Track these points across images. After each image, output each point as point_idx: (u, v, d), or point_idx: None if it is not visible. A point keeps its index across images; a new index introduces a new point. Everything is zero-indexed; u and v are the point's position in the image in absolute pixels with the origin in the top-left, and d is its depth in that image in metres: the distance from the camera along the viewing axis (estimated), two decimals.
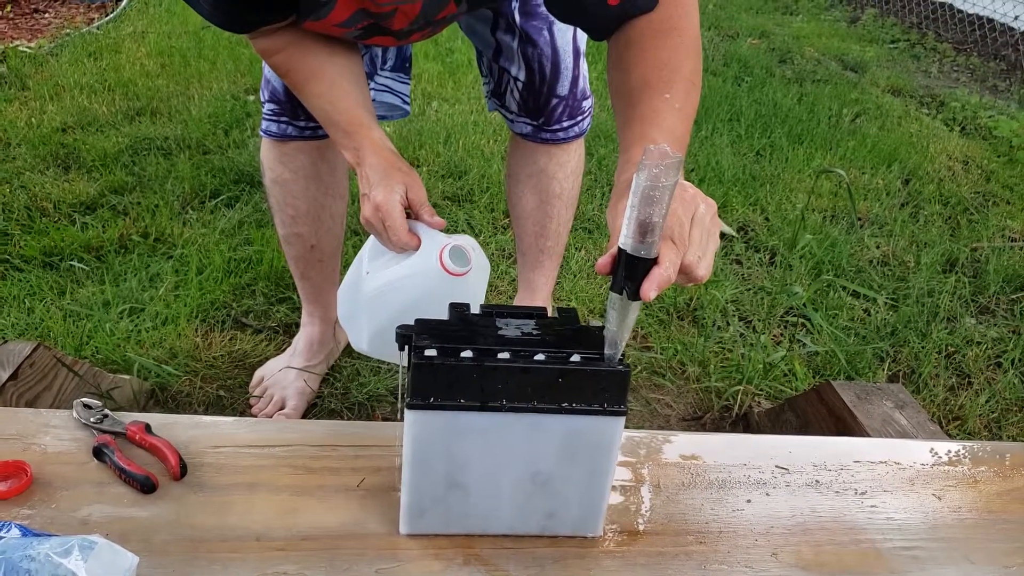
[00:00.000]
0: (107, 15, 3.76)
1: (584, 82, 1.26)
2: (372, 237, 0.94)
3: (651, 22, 0.82)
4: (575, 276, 1.83)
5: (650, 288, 0.62)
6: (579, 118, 1.29)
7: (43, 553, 0.53)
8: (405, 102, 1.26)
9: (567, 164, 1.35)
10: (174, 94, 2.78)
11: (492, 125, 2.67)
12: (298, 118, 1.17)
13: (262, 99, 1.21)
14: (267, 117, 1.20)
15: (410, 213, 0.90)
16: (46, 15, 3.84)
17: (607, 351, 0.65)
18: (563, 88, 1.22)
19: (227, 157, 2.28)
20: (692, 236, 0.65)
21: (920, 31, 4.72)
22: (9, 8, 3.81)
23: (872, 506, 0.82)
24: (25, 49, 3.12)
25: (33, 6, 3.90)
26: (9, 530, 0.58)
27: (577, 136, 1.31)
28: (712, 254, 0.68)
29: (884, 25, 4.86)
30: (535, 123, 1.27)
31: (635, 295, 0.62)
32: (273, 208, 1.30)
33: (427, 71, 3.18)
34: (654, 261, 0.62)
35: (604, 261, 0.64)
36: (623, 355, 0.67)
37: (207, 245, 1.81)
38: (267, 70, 1.17)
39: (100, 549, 0.55)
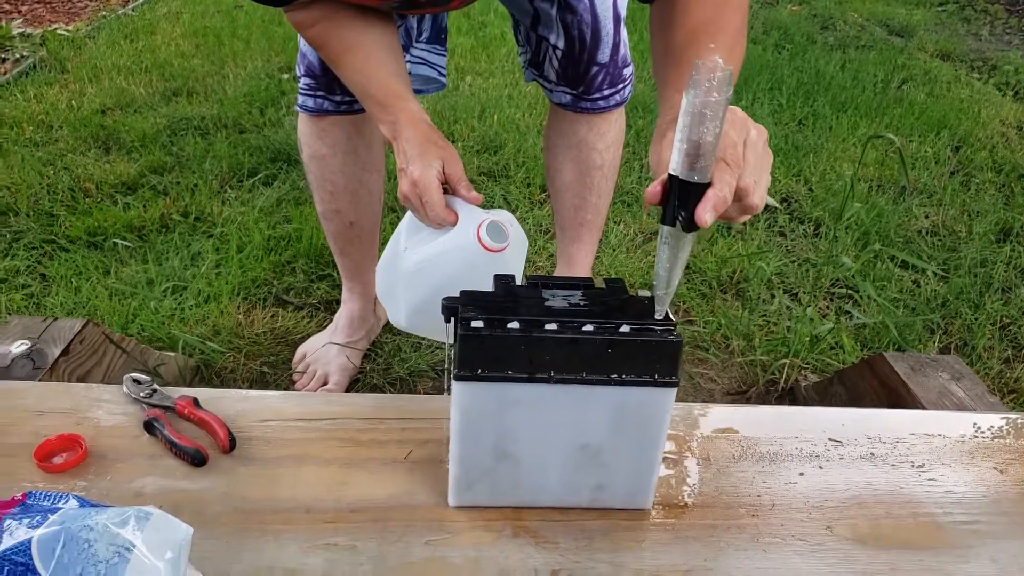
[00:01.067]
0: None
1: (625, 49, 1.23)
2: (409, 213, 0.93)
3: None
4: (615, 250, 1.81)
5: (704, 211, 0.57)
6: (620, 86, 1.26)
7: (101, 523, 0.54)
8: (441, 74, 1.24)
9: (607, 134, 1.32)
10: (209, 74, 2.80)
11: (527, 99, 2.64)
12: (334, 92, 1.17)
13: (297, 74, 1.20)
14: (303, 92, 1.19)
15: (447, 188, 0.89)
16: None
17: (657, 292, 0.62)
18: (604, 55, 1.19)
19: (263, 136, 2.30)
20: (746, 158, 0.61)
21: None
22: None
23: (930, 479, 0.79)
24: (63, 32, 3.17)
25: None
26: (67, 501, 0.58)
27: (618, 105, 1.28)
28: (766, 182, 0.63)
29: None
30: (575, 92, 1.24)
31: (690, 224, 0.59)
32: (311, 184, 1.30)
33: (460, 45, 3.15)
34: (707, 186, 0.58)
35: (654, 189, 0.59)
36: (673, 322, 0.65)
37: (246, 223, 1.82)
38: (303, 44, 1.16)
39: (156, 519, 0.55)
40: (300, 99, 1.21)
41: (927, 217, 2.06)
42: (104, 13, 3.54)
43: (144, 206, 1.90)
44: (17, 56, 2.93)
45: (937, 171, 2.30)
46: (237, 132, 2.35)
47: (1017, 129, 2.66)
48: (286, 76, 2.82)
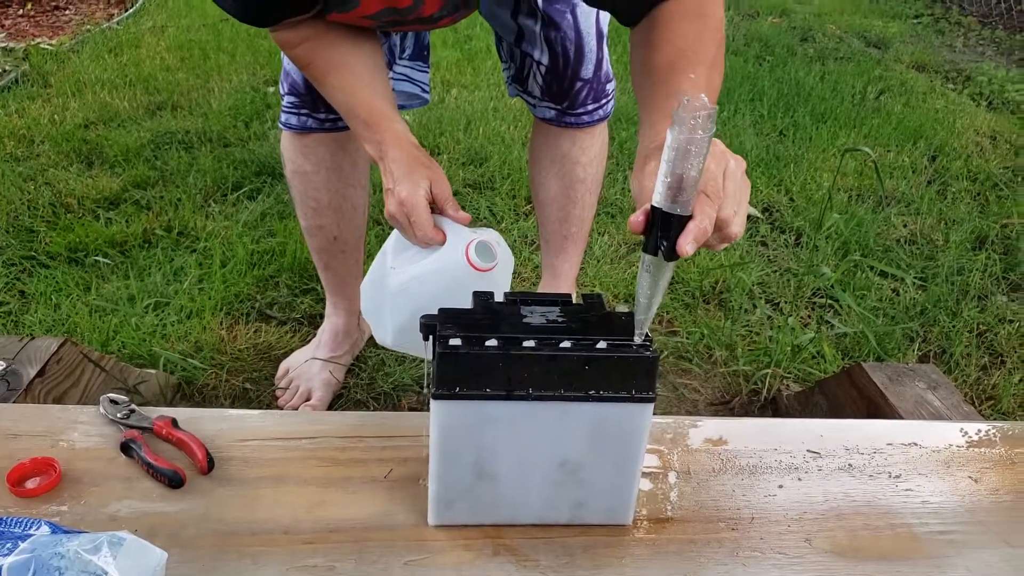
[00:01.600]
0: (126, 10, 3.78)
1: (607, 65, 1.24)
2: (396, 231, 0.94)
3: (680, 5, 0.83)
4: (599, 261, 1.82)
5: (686, 242, 0.60)
6: (603, 101, 1.27)
7: (72, 550, 0.53)
8: (424, 91, 1.24)
9: (590, 148, 1.33)
10: (194, 88, 2.79)
11: (512, 111, 2.65)
12: (318, 110, 1.17)
13: (281, 91, 1.20)
14: (286, 110, 1.20)
15: (434, 207, 0.90)
16: (67, 12, 3.87)
17: (638, 316, 0.64)
18: (587, 71, 1.21)
19: (248, 149, 2.29)
20: (726, 190, 0.64)
21: (944, 5, 4.61)
22: (30, 6, 3.84)
23: (907, 489, 0.80)
24: (47, 46, 3.15)
25: (54, 3, 3.94)
26: (39, 528, 0.58)
27: (601, 119, 1.29)
28: (745, 211, 0.66)
29: (907, 0, 4.75)
30: (559, 107, 1.25)
31: (671, 254, 0.61)
32: (295, 200, 1.30)
33: (445, 59, 3.17)
34: (689, 217, 0.60)
35: (637, 219, 0.62)
36: (650, 339, 0.65)
37: (230, 238, 1.81)
38: (286, 63, 1.16)
39: (129, 545, 0.55)
40: (283, 116, 1.21)
41: (905, 226, 2.08)
42: (88, 27, 3.52)
43: (127, 221, 1.89)
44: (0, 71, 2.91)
45: (914, 180, 2.33)
46: (222, 146, 2.34)
47: (991, 139, 2.70)
48: (271, 89, 2.82)
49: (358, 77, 0.95)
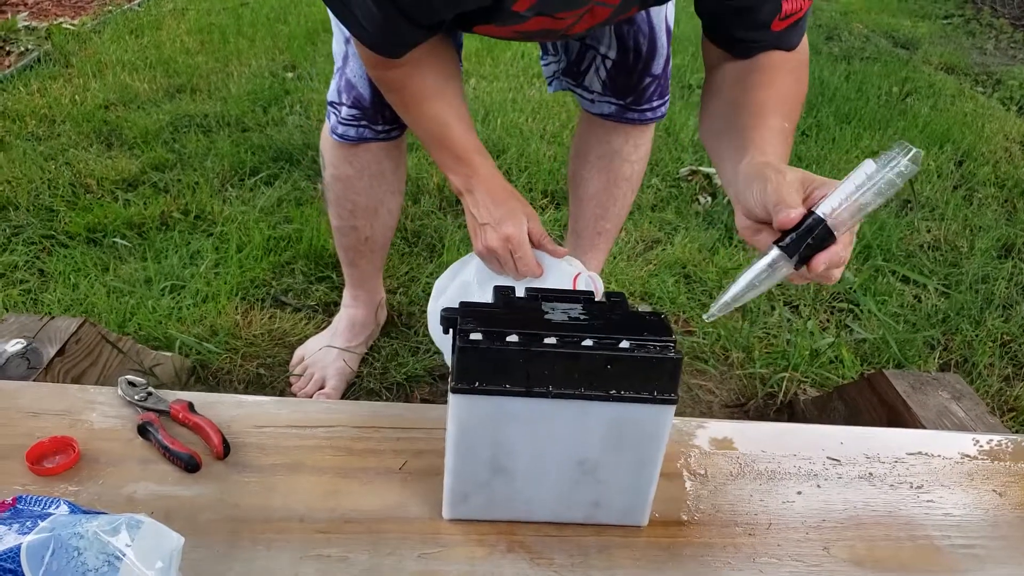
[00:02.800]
0: None
1: (671, 62, 1.23)
2: (476, 262, 0.97)
3: (785, 59, 0.88)
4: (615, 258, 1.80)
5: (823, 261, 0.62)
6: (666, 97, 1.26)
7: (91, 531, 0.53)
8: None
9: (642, 146, 1.32)
10: (213, 71, 2.79)
11: (531, 103, 2.63)
12: (377, 123, 1.14)
13: (334, 100, 1.15)
14: (345, 122, 1.15)
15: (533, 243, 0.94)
16: None
17: (725, 298, 0.65)
18: (658, 67, 1.19)
19: (266, 135, 2.29)
20: (852, 238, 0.67)
21: (975, 6, 4.54)
22: None
23: (929, 501, 0.78)
24: (69, 26, 3.16)
25: None
26: (58, 507, 0.58)
27: (661, 117, 1.28)
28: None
29: (937, 0, 4.68)
30: (622, 102, 1.23)
31: (803, 263, 0.63)
32: (330, 201, 1.28)
33: (465, 47, 3.15)
34: (833, 241, 0.62)
35: (792, 216, 0.62)
36: (674, 339, 0.64)
37: (247, 223, 1.81)
38: (350, 74, 1.12)
39: (147, 528, 0.55)
40: (340, 128, 1.16)
41: (929, 231, 2.05)
42: (110, 8, 3.53)
43: (144, 203, 1.89)
44: (22, 49, 2.92)
45: (940, 185, 2.30)
46: (240, 130, 2.34)
47: (1021, 144, 2.66)
48: (290, 75, 2.82)
49: (450, 107, 0.95)
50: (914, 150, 0.60)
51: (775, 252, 0.63)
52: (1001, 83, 3.29)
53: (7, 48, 2.93)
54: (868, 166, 0.60)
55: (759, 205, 0.66)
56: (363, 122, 1.15)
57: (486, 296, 0.91)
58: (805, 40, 0.92)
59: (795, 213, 0.62)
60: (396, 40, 0.88)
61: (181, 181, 2.00)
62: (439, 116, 0.95)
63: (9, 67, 2.74)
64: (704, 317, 0.68)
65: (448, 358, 0.97)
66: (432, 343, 1.32)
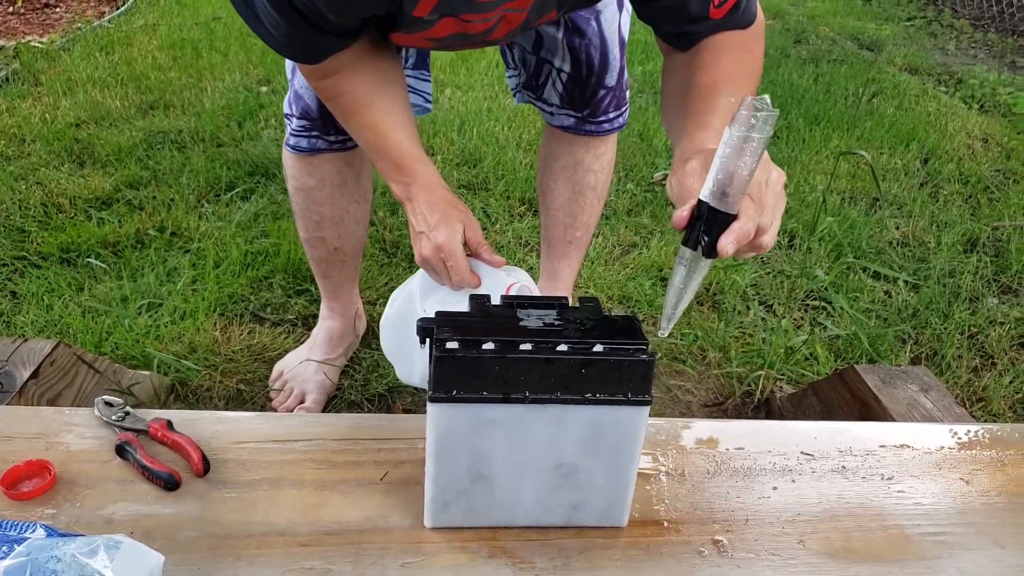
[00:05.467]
0: (118, 8, 3.76)
1: (626, 72, 1.24)
2: (421, 272, 0.95)
3: (730, 37, 0.86)
4: (592, 263, 1.82)
5: (728, 241, 0.61)
6: (623, 109, 1.27)
7: (69, 553, 0.53)
8: (427, 100, 1.24)
9: (604, 155, 1.33)
10: (186, 87, 2.78)
11: (507, 112, 2.65)
12: (329, 132, 1.15)
13: (288, 112, 1.17)
14: (296, 133, 1.16)
15: (468, 251, 0.92)
16: (57, 9, 3.85)
17: (666, 311, 0.65)
18: (611, 79, 1.20)
19: (241, 149, 2.28)
20: (766, 199, 0.65)
21: (936, 8, 4.64)
22: (20, 3, 3.82)
23: (899, 491, 0.80)
24: (37, 44, 3.13)
25: (44, 1, 3.91)
26: (34, 531, 0.58)
27: (620, 127, 1.29)
28: (778, 224, 0.67)
29: (900, 2, 4.78)
30: (579, 115, 1.24)
31: (711, 251, 0.62)
32: (296, 213, 1.29)
33: (440, 58, 3.16)
34: (733, 218, 0.61)
35: (682, 215, 0.62)
36: (647, 342, 0.66)
37: (223, 238, 1.81)
38: (298, 86, 1.13)
39: (126, 549, 0.55)
40: (292, 140, 1.17)
41: (897, 228, 2.09)
42: (79, 25, 3.50)
43: (119, 221, 1.88)
44: None
45: (907, 183, 2.35)
46: (215, 146, 2.33)
47: (983, 141, 2.72)
48: (264, 88, 2.81)
49: (388, 115, 0.94)
50: (760, 100, 0.58)
51: (683, 250, 0.64)
52: (962, 82, 3.37)
53: None
54: (725, 133, 0.59)
55: (674, 201, 0.68)
56: (314, 133, 1.15)
57: (429, 307, 0.92)
58: (759, 12, 0.89)
59: (684, 211, 0.62)
60: (309, 48, 0.87)
61: (156, 198, 1.99)
62: (375, 124, 0.93)
63: None
64: (659, 335, 0.69)
65: (398, 370, 0.98)
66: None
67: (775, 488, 0.80)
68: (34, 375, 0.95)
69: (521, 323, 0.68)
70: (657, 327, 1.63)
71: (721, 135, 0.75)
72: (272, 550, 0.67)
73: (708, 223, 0.61)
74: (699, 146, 0.71)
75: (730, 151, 0.59)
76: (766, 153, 0.66)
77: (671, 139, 0.87)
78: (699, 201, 0.62)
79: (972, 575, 0.71)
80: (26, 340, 1.01)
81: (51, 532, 0.59)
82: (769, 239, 0.65)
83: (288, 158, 1.22)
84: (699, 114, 0.79)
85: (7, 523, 0.60)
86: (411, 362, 0.95)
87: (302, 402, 1.35)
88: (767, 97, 0.58)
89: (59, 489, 0.72)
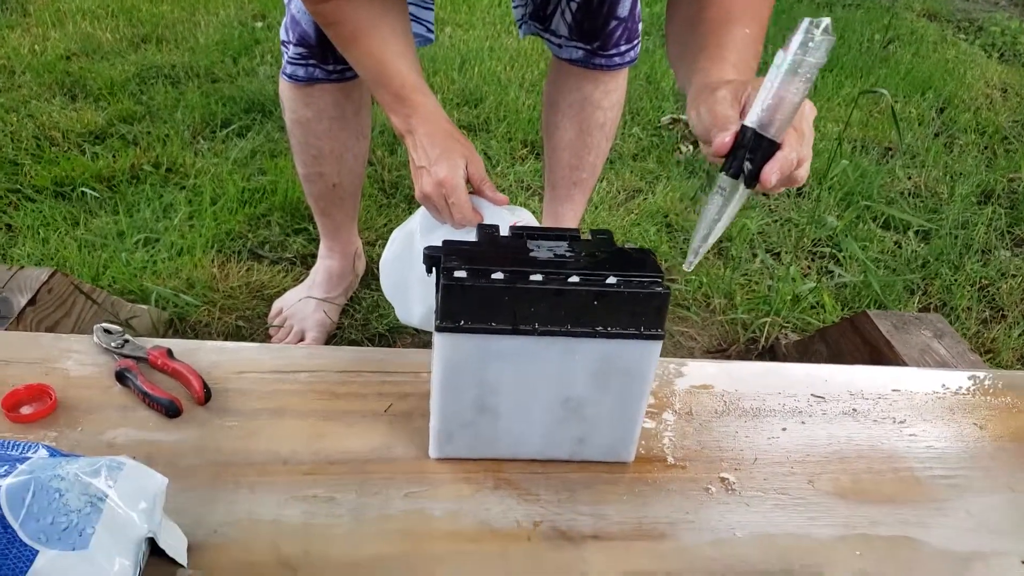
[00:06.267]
0: None
1: (639, 3, 1.19)
2: (421, 210, 0.91)
3: None
4: (596, 208, 1.79)
5: (772, 170, 0.58)
6: (635, 42, 1.22)
7: (72, 472, 0.52)
8: (429, 30, 1.19)
9: (613, 92, 1.28)
10: (179, 20, 2.70)
11: (509, 51, 2.58)
12: (327, 61, 1.10)
13: (284, 39, 1.12)
14: (293, 61, 1.12)
15: (470, 188, 0.88)
16: None
17: (694, 243, 0.62)
18: (623, 9, 1.15)
19: (237, 86, 2.22)
20: (805, 130, 0.62)
21: None
22: None
23: (911, 435, 0.79)
24: None
25: None
26: (36, 451, 0.56)
27: (631, 62, 1.24)
28: (811, 157, 0.64)
29: None
30: (588, 47, 1.19)
31: (753, 181, 0.59)
32: (294, 147, 1.25)
33: None
34: (778, 146, 0.58)
35: (724, 141, 0.59)
36: (661, 275, 0.63)
37: (220, 175, 1.77)
38: (295, 10, 1.08)
39: (129, 469, 0.54)
40: (289, 68, 1.13)
41: (910, 178, 2.06)
42: None
43: (113, 156, 1.83)
44: None
45: (921, 132, 2.30)
46: (209, 81, 2.27)
47: (1001, 91, 2.66)
48: (259, 24, 2.73)
49: (388, 44, 0.89)
50: (821, 21, 0.55)
51: (722, 179, 0.60)
52: (983, 30, 3.28)
53: None
54: (778, 56, 0.56)
55: (702, 132, 0.64)
56: (311, 61, 1.11)
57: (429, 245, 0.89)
58: None
59: (728, 136, 0.59)
60: None
61: (151, 133, 1.94)
62: (375, 52, 0.89)
63: None
64: (684, 267, 0.66)
65: (398, 310, 0.95)
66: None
67: (784, 429, 0.79)
68: (31, 302, 0.93)
69: (531, 254, 0.66)
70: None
71: (738, 69, 0.72)
72: (274, 478, 0.66)
73: (752, 150, 0.58)
74: (718, 79, 0.68)
75: (782, 75, 0.56)
76: None
77: (678, 73, 0.84)
78: (743, 127, 0.59)
79: (980, 516, 0.70)
80: (23, 268, 0.98)
81: (54, 452, 0.57)
82: (804, 172, 0.62)
83: (285, 88, 1.18)
84: (712, 48, 0.75)
85: (9, 443, 0.58)
86: (410, 303, 0.93)
87: (301, 339, 1.33)
88: (825, 20, 0.55)
89: (59, 414, 0.70)
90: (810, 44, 0.55)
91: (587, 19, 1.16)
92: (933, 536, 0.68)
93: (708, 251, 0.65)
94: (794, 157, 0.59)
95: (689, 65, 0.77)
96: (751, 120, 0.58)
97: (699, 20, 0.80)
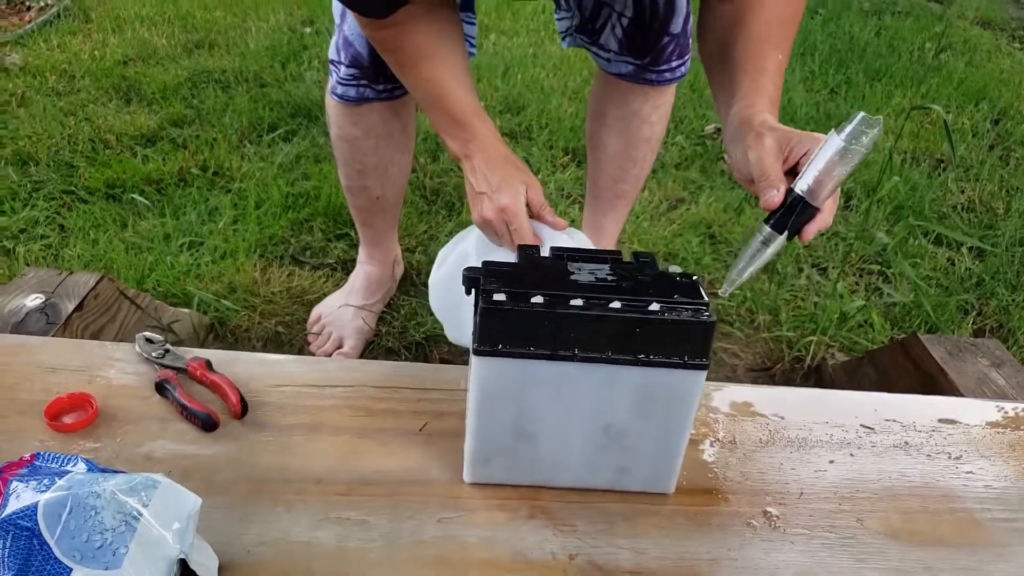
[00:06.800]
0: None
1: (691, 18, 1.16)
2: (476, 233, 0.91)
3: None
4: (638, 218, 1.76)
5: (812, 232, 0.69)
6: (686, 57, 1.20)
7: (108, 490, 0.52)
8: (471, 44, 1.18)
9: (662, 107, 1.26)
10: (231, 26, 2.75)
11: (552, 59, 2.56)
12: (378, 82, 1.10)
13: (334, 59, 1.12)
14: (344, 82, 1.11)
15: (530, 213, 0.88)
16: None
17: (732, 275, 0.71)
18: (676, 26, 1.13)
19: (284, 90, 2.25)
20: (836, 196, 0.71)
21: None
22: None
23: (968, 472, 0.76)
24: None
25: None
26: (76, 464, 0.57)
27: (681, 77, 1.22)
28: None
29: None
30: (639, 63, 1.18)
31: (793, 236, 0.69)
32: (339, 161, 1.25)
33: (484, 2, 3.07)
34: (817, 210, 0.68)
35: (774, 200, 0.68)
36: (707, 303, 0.61)
37: (265, 179, 1.79)
38: (348, 31, 1.08)
39: (164, 489, 0.54)
40: (339, 89, 1.13)
41: (963, 192, 1.98)
42: None
43: (163, 159, 1.87)
44: (42, 4, 2.89)
45: (975, 144, 2.22)
46: (258, 86, 2.31)
47: None
48: (308, 30, 2.76)
49: (448, 68, 0.90)
50: (874, 119, 0.64)
51: (767, 230, 0.69)
52: None
53: (27, 3, 2.90)
54: (835, 140, 0.65)
55: (744, 172, 0.73)
56: (363, 81, 1.10)
57: None
58: None
59: (777, 198, 0.68)
60: (381, 4, 0.84)
61: (199, 137, 1.98)
62: (435, 77, 0.90)
63: (29, 23, 2.71)
64: (720, 294, 0.73)
65: (448, 330, 0.95)
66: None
67: (832, 462, 0.76)
68: (78, 308, 0.95)
69: (572, 276, 0.64)
70: (704, 284, 1.58)
71: (773, 102, 0.79)
72: (310, 497, 0.66)
73: (799, 213, 0.68)
74: (759, 112, 0.74)
75: (836, 156, 0.65)
76: None
77: (713, 86, 0.86)
78: (792, 191, 0.68)
79: None
80: (71, 273, 1.00)
81: (92, 467, 0.58)
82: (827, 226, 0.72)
83: (333, 107, 1.18)
84: (753, 73, 0.79)
85: (50, 455, 0.59)
86: (461, 323, 0.92)
87: (340, 347, 1.34)
88: (880, 118, 0.64)
89: (100, 423, 0.71)
90: (863, 138, 0.64)
91: (639, 35, 1.14)
92: None
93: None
94: (830, 221, 0.70)
95: (727, 82, 0.81)
96: (801, 188, 0.67)
97: (737, 34, 0.82)
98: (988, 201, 1.95)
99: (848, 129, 0.65)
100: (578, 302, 0.61)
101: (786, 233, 0.69)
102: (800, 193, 0.67)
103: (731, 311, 1.51)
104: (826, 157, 0.66)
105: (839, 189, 0.70)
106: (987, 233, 1.81)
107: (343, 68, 1.10)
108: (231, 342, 1.36)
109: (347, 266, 1.55)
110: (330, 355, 1.33)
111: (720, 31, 0.85)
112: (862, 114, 0.65)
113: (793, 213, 0.68)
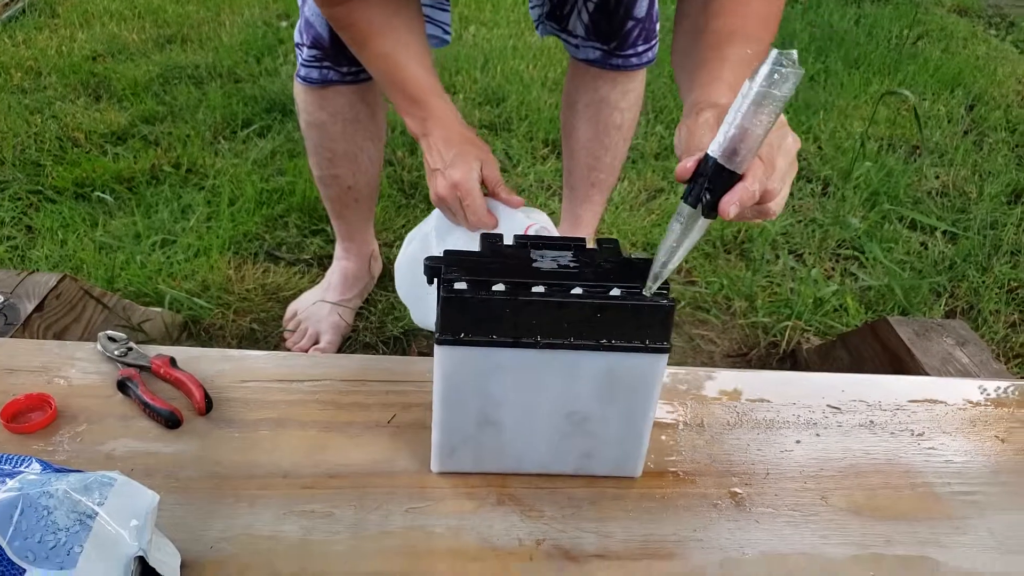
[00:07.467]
0: None
1: (656, 3, 1.16)
2: (437, 212, 0.90)
3: None
4: (617, 208, 1.76)
5: (730, 202, 0.56)
6: (652, 42, 1.20)
7: (61, 490, 0.51)
8: (446, 32, 1.18)
9: (631, 93, 1.26)
10: (204, 21, 2.72)
11: (532, 50, 2.56)
12: (341, 64, 1.10)
13: (298, 41, 1.12)
14: (307, 63, 1.12)
15: (485, 190, 0.87)
16: None
17: (654, 268, 0.60)
18: (640, 10, 1.13)
19: (259, 86, 2.23)
20: (777, 164, 0.59)
21: None
22: None
23: (930, 448, 0.77)
24: None
25: None
26: (29, 465, 0.56)
27: (649, 62, 1.22)
28: (787, 191, 0.61)
29: None
30: (605, 47, 1.18)
31: (711, 211, 0.57)
32: (309, 149, 1.25)
33: None
34: (739, 178, 0.56)
35: (686, 167, 0.57)
36: (667, 287, 0.61)
37: (239, 175, 1.78)
38: (309, 13, 1.08)
39: (120, 486, 0.53)
40: (303, 71, 1.13)
41: (937, 177, 2.00)
42: None
43: (134, 157, 1.85)
44: (7, 0, 2.84)
45: (950, 130, 2.24)
46: (232, 81, 2.28)
47: None
48: (283, 24, 2.74)
49: (403, 45, 0.88)
50: (789, 53, 0.52)
51: (682, 207, 0.58)
52: (1015, 25, 3.19)
53: None
54: (744, 86, 0.54)
55: (680, 154, 0.62)
56: (325, 63, 1.10)
57: (445, 248, 0.88)
58: None
59: (689, 163, 0.57)
60: None
61: (172, 134, 1.96)
62: (389, 54, 0.88)
63: None
64: (643, 292, 0.61)
65: (414, 314, 0.94)
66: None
67: (798, 442, 0.76)
68: (39, 308, 0.93)
69: (534, 264, 0.64)
70: (681, 272, 1.59)
71: (733, 91, 0.68)
72: (274, 491, 0.66)
73: (712, 180, 0.56)
74: (712, 99, 0.66)
75: (747, 106, 0.53)
76: (783, 115, 0.59)
77: (679, 83, 0.82)
78: (705, 155, 0.56)
79: (1002, 535, 0.67)
80: (31, 273, 0.99)
81: (46, 467, 0.57)
82: (776, 206, 0.60)
83: (299, 90, 1.17)
84: (712, 62, 0.73)
85: (3, 456, 0.58)
86: (426, 306, 0.92)
87: (316, 343, 1.33)
88: (794, 53, 0.52)
89: (60, 424, 0.70)
90: (776, 76, 0.52)
91: (604, 19, 1.14)
92: (951, 556, 0.65)
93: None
94: (755, 189, 0.56)
95: (687, 77, 0.76)
96: (713, 150, 0.56)
97: (704, 29, 0.78)
98: (961, 186, 1.97)
99: (762, 71, 0.52)
100: (540, 289, 0.61)
101: (700, 207, 0.57)
102: (712, 155, 0.56)
103: (708, 298, 1.52)
104: (738, 108, 0.54)
105: (782, 151, 0.59)
106: (960, 217, 1.83)
107: (305, 50, 1.10)
108: (205, 340, 1.35)
109: (323, 262, 1.55)
110: (306, 351, 1.32)
111: (689, 28, 0.83)
112: (776, 51, 0.53)
113: (706, 180, 0.56)
